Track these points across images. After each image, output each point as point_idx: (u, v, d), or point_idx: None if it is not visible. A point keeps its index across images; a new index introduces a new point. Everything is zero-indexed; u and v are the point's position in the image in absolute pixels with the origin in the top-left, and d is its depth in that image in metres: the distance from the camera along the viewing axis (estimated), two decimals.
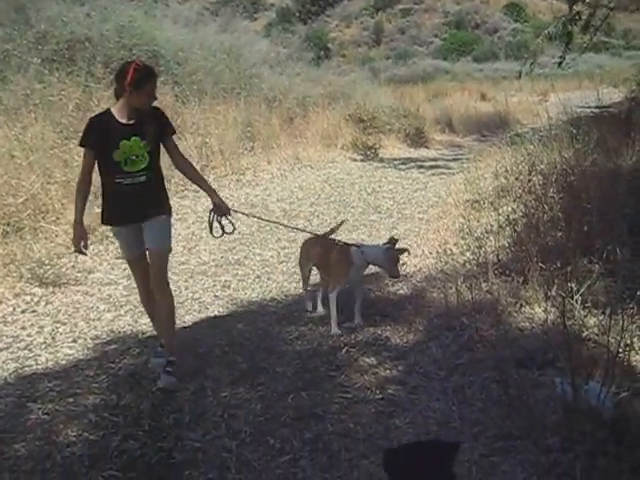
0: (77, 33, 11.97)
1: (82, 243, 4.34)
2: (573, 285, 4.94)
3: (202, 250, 7.56)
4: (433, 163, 14.30)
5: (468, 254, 6.44)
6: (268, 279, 6.49)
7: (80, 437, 3.78)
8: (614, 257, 5.50)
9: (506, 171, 8.26)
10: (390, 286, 6.03)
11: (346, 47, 53.48)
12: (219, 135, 11.76)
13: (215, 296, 6.12)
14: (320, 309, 5.54)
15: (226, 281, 6.54)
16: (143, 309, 5.67)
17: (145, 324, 5.44)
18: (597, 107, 12.38)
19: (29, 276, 6.27)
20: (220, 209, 4.61)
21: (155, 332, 4.89)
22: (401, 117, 17.48)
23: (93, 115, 4.45)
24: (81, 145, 4.28)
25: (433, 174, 12.79)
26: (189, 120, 11.70)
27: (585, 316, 4.82)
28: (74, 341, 5.20)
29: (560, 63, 10.33)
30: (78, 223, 4.31)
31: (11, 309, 5.77)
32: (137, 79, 4.12)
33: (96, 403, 4.17)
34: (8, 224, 7.02)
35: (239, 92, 14.01)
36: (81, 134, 4.30)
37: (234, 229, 4.77)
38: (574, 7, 9.75)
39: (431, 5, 59.74)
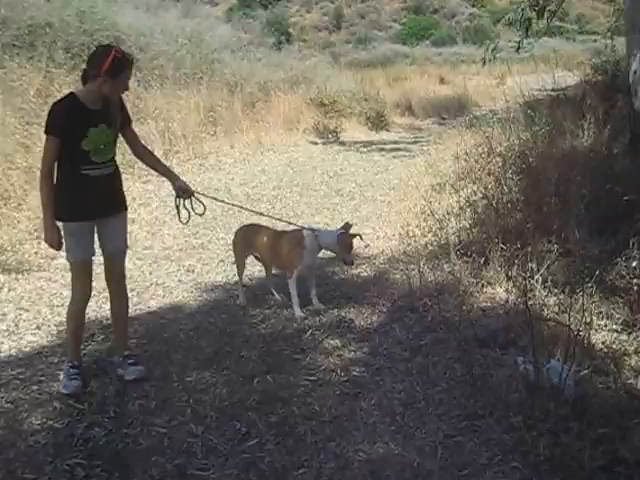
0: (37, 18, 11.71)
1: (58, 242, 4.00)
2: (533, 265, 5.03)
3: (166, 235, 7.50)
4: (394, 146, 14.35)
5: (430, 236, 6.50)
6: (232, 263, 6.45)
7: (44, 425, 3.74)
8: (572, 237, 5.61)
9: (466, 153, 8.32)
10: (353, 269, 6.05)
11: (307, 32, 53.19)
12: (182, 120, 11.66)
13: (179, 280, 6.08)
14: (277, 296, 5.54)
15: (190, 265, 6.50)
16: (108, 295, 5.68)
17: (109, 309, 5.35)
18: (553, 90, 12.53)
19: None
20: (184, 191, 4.50)
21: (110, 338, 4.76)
22: (362, 101, 17.51)
23: (58, 100, 4.02)
24: (47, 133, 3.88)
25: (394, 157, 12.84)
26: (151, 105, 11.58)
27: (545, 296, 4.90)
28: (38, 328, 5.13)
29: (518, 48, 10.41)
30: (53, 225, 3.95)
31: None
32: (115, 67, 3.84)
33: (61, 390, 4.12)
34: None
35: (201, 77, 13.92)
36: (46, 120, 3.90)
37: (205, 209, 4.66)
38: None
39: None
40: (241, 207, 5.90)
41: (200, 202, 4.59)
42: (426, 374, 4.16)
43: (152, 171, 9.70)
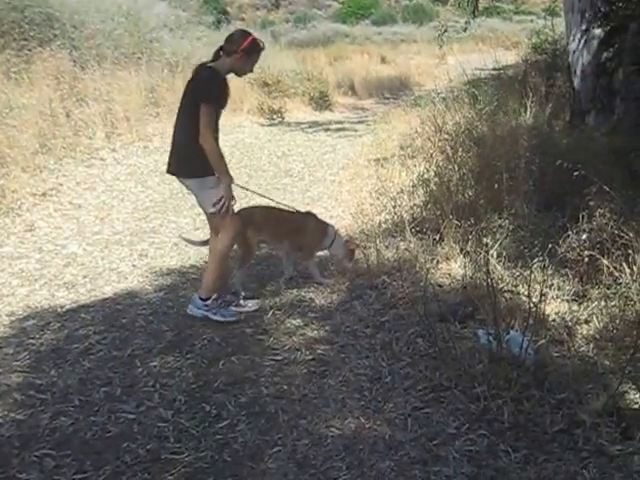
0: None
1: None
2: (488, 240, 5.13)
3: (115, 219, 7.38)
4: (339, 126, 14.35)
5: (384, 214, 6.55)
6: (185, 246, 6.37)
7: (7, 418, 3.65)
8: (521, 212, 5.74)
9: (415, 132, 8.39)
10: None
11: (245, 10, 52.64)
12: (123, 101, 11.41)
13: (133, 265, 5.99)
14: (288, 273, 5.52)
15: (143, 250, 6.41)
16: (60, 283, 5.59)
17: (63, 297, 5.29)
18: (494, 69, 12.73)
19: None
20: None
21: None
22: (305, 81, 17.43)
23: (214, 70, 4.45)
24: (208, 102, 4.34)
25: (340, 137, 12.85)
26: (90, 86, 11.28)
27: (500, 270, 5.00)
28: None
29: (465, 29, 10.54)
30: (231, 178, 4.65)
31: None
32: (252, 48, 4.47)
33: (20, 382, 4.03)
34: None
35: (140, 57, 13.61)
36: (207, 91, 4.38)
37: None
38: None
39: None
40: (264, 196, 5.65)
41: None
42: (390, 349, 4.22)
43: (94, 154, 9.78)
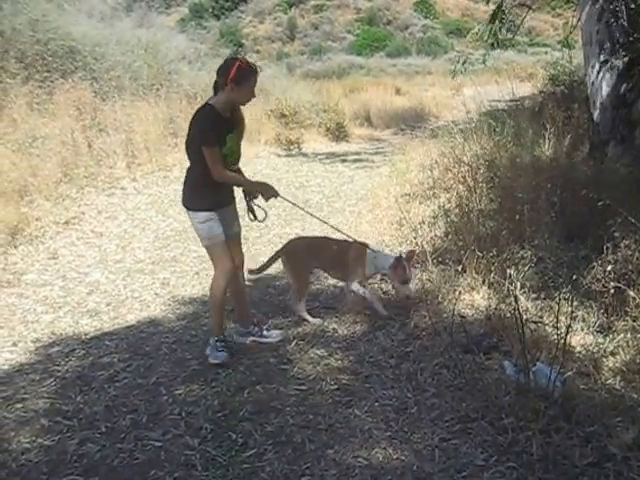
0: None
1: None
2: (511, 271, 5.12)
3: (136, 248, 7.44)
4: (356, 157, 14.43)
5: (405, 245, 6.57)
6: (207, 275, 6.39)
7: (34, 443, 3.69)
8: (543, 244, 5.74)
9: (436, 162, 8.43)
10: (330, 279, 6.08)
11: (260, 43, 53.31)
12: (143, 132, 11.55)
13: (155, 294, 6.03)
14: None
15: (165, 278, 6.45)
16: (84, 310, 5.63)
17: (87, 324, 5.33)
18: (511, 100, 12.78)
19: None
20: (250, 192, 4.80)
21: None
22: (321, 112, 17.58)
23: (208, 112, 4.37)
24: (208, 145, 4.27)
25: (358, 167, 12.91)
26: (111, 116, 11.46)
27: (524, 301, 4.99)
28: (14, 345, 5.04)
29: (484, 61, 10.62)
30: (255, 183, 4.75)
31: None
32: (240, 75, 4.28)
33: (46, 408, 4.06)
34: None
35: (159, 88, 13.80)
36: (204, 134, 4.29)
37: (265, 217, 4.93)
38: (489, 6, 10.08)
39: (343, 1, 60.20)
40: (311, 214, 6.05)
41: (262, 208, 4.83)
42: (415, 380, 4.21)
43: (115, 183, 9.88)
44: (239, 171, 4.64)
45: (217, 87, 4.38)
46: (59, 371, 4.55)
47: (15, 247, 7.15)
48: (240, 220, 4.81)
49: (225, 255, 4.57)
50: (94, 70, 12.68)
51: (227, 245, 4.59)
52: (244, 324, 4.95)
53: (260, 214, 4.86)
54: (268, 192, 4.63)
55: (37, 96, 10.62)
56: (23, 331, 5.30)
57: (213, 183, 4.40)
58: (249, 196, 4.80)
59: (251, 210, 4.88)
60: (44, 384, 4.37)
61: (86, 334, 5.18)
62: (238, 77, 4.26)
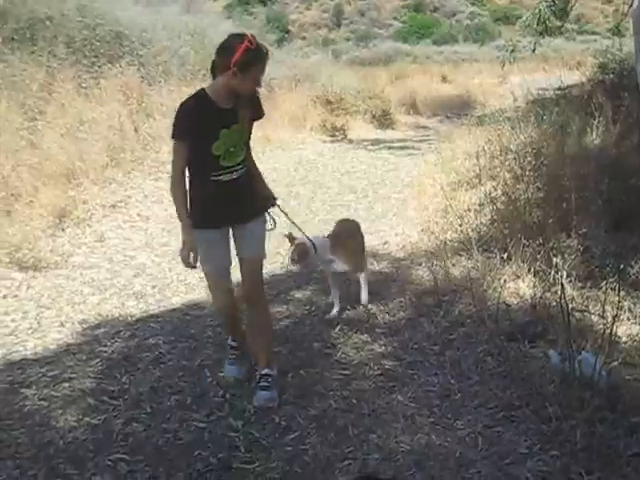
0: (37, 12, 11.61)
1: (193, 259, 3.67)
2: (557, 260, 5.06)
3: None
4: (402, 144, 14.37)
5: (450, 232, 6.52)
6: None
7: (81, 422, 3.74)
8: (590, 233, 5.65)
9: (483, 150, 8.33)
10: (375, 265, 6.08)
11: (306, 29, 53.28)
12: None
13: (200, 278, 5.96)
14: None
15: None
16: (130, 292, 5.70)
17: (132, 307, 5.41)
18: (559, 89, 12.56)
19: (7, 260, 6.16)
20: (267, 200, 4.02)
21: (248, 346, 4.25)
22: (367, 99, 17.51)
23: (188, 98, 3.60)
24: (175, 138, 3.55)
25: (403, 155, 12.86)
26: (157, 101, 11.57)
27: (570, 290, 4.93)
28: (61, 325, 5.13)
29: (534, 49, 10.42)
30: (188, 239, 3.64)
31: None
32: (247, 60, 3.45)
33: (93, 387, 4.13)
34: None
35: (205, 74, 13.85)
36: (173, 122, 3.54)
37: (274, 227, 4.07)
38: None
39: None
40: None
41: (270, 216, 4.04)
42: (459, 367, 4.19)
43: (162, 167, 9.97)
44: (248, 176, 3.80)
45: (215, 69, 3.61)
46: (105, 352, 4.62)
47: (63, 230, 7.27)
48: (265, 243, 3.99)
49: (217, 290, 3.98)
50: (141, 55, 12.81)
51: (225, 275, 3.95)
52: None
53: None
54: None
55: (85, 81, 10.77)
56: (70, 312, 5.39)
57: (204, 190, 3.65)
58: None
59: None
60: (90, 364, 4.44)
61: (132, 316, 5.25)
62: (243, 62, 3.44)
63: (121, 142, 9.70)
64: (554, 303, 4.56)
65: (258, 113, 3.82)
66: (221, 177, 3.63)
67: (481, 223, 6.40)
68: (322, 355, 4.46)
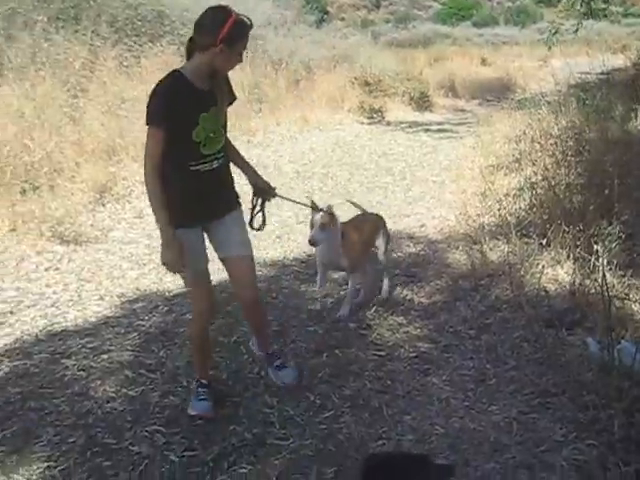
0: None
1: (181, 261, 3.27)
2: (598, 247, 4.99)
3: None
4: (440, 127, 14.25)
5: (488, 216, 6.48)
6: (288, 239, 6.50)
7: (119, 393, 3.82)
8: (632, 220, 5.56)
9: (524, 133, 8.24)
10: (412, 247, 6.06)
11: (345, 10, 52.87)
12: None
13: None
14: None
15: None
16: None
17: (170, 282, 5.45)
18: (601, 73, 12.33)
19: (49, 234, 6.28)
20: (265, 192, 3.76)
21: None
22: (405, 81, 17.37)
23: (164, 79, 3.23)
24: (149, 123, 3.16)
25: (441, 137, 12.76)
26: None
27: (610, 277, 4.87)
28: (101, 299, 5.20)
29: (576, 30, 10.26)
30: (171, 238, 3.20)
31: (34, 266, 5.77)
32: (235, 34, 3.16)
33: (131, 360, 4.19)
34: (26, 182, 7.00)
35: (245, 54, 13.87)
36: (147, 107, 3.17)
37: (263, 224, 3.89)
38: None
39: None
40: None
41: (264, 214, 3.85)
42: (495, 352, 4.17)
43: None
44: (227, 166, 3.47)
45: (192, 49, 3.25)
46: (143, 326, 4.68)
47: (103, 205, 7.37)
48: (248, 236, 3.65)
49: (199, 290, 3.54)
50: (182, 35, 12.81)
51: (206, 277, 3.56)
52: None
53: (258, 220, 3.86)
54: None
55: (126, 59, 10.86)
56: (109, 286, 5.47)
57: (182, 183, 3.27)
58: (259, 196, 3.80)
59: (262, 214, 3.86)
60: (128, 337, 4.51)
61: (169, 291, 5.30)
62: (232, 36, 3.14)
63: None
64: (594, 290, 4.52)
65: (232, 96, 3.55)
66: (200, 167, 3.26)
67: (520, 208, 6.34)
68: (357, 335, 4.46)
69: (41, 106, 8.28)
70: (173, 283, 5.44)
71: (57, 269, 5.77)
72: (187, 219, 3.31)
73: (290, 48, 16.03)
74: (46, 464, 3.19)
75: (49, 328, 4.69)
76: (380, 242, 5.02)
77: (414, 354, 4.17)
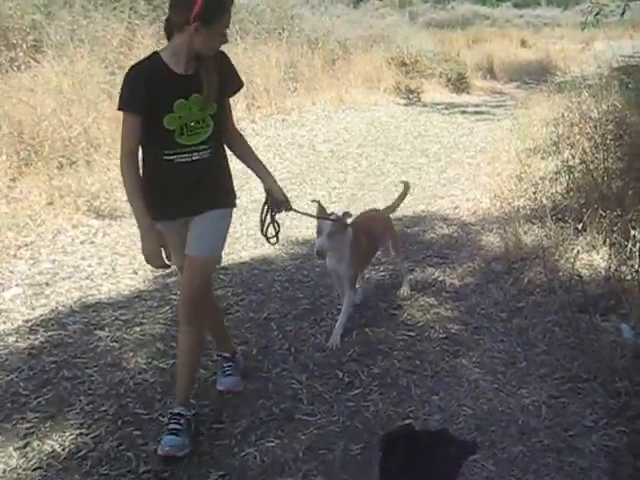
0: None
1: (161, 254, 3.03)
2: (636, 232, 4.91)
3: (253, 188, 7.50)
4: (476, 109, 14.11)
5: (523, 200, 6.41)
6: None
7: (150, 365, 3.86)
8: None
9: (561, 117, 8.12)
10: (445, 229, 6.02)
11: None
12: (263, 75, 11.67)
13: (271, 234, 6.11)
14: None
15: (279, 219, 6.47)
16: None
17: None
18: None
19: (85, 208, 6.37)
20: (279, 204, 3.39)
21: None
22: (442, 62, 17.22)
23: (138, 62, 3.04)
24: (124, 109, 2.93)
25: (478, 120, 12.63)
26: (233, 59, 11.51)
27: None
28: (134, 272, 5.26)
29: (623, 12, 10.02)
30: (149, 229, 2.97)
31: (70, 240, 5.85)
32: (209, 10, 2.81)
33: (162, 333, 4.24)
34: (63, 157, 7.08)
35: (281, 32, 13.84)
36: (121, 92, 2.93)
37: (277, 236, 3.56)
38: None
39: None
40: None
41: (277, 224, 3.49)
42: (526, 336, 4.14)
43: (236, 125, 10.05)
44: (214, 161, 3.08)
45: (170, 29, 2.97)
46: (175, 300, 4.69)
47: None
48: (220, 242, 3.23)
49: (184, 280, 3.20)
50: None
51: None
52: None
53: (272, 231, 3.53)
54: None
55: (163, 37, 10.84)
56: (143, 260, 5.47)
57: (156, 173, 3.04)
58: (271, 206, 3.41)
59: (273, 226, 3.50)
60: (161, 311, 4.56)
61: None
62: (207, 12, 2.81)
63: None
64: (629, 277, 4.47)
65: (235, 84, 3.22)
66: (175, 157, 2.96)
67: (556, 192, 6.26)
68: (388, 315, 4.46)
69: (79, 82, 8.35)
70: None
71: (92, 243, 5.84)
72: (166, 212, 3.05)
73: (327, 27, 15.93)
74: (78, 431, 3.25)
75: (83, 300, 4.76)
76: (389, 244, 4.68)
77: (444, 335, 4.15)
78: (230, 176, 3.27)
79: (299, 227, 6.29)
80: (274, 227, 3.47)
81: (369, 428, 3.26)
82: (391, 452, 2.01)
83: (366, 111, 12.90)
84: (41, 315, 4.51)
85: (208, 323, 3.42)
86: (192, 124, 2.96)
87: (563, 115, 8.27)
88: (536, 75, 19.82)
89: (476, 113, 13.51)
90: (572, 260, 4.98)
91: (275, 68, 12.25)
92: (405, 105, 14.08)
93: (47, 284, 5.01)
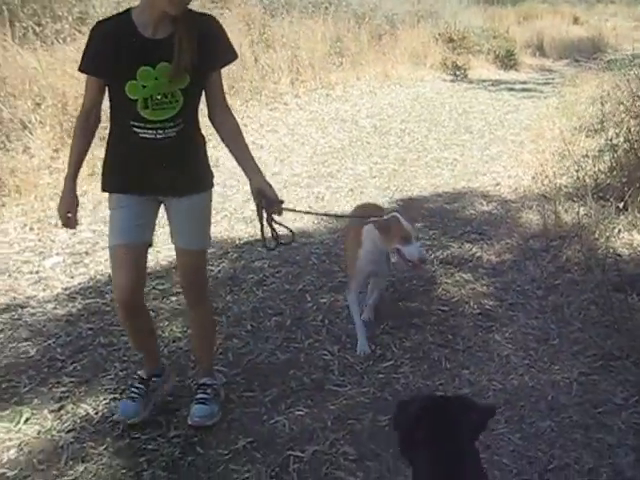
0: None
1: (70, 214, 2.89)
2: None
3: (294, 162, 7.60)
4: (524, 86, 13.90)
5: (565, 178, 6.33)
6: (361, 193, 6.49)
7: (184, 333, 3.92)
8: None
9: (607, 95, 7.97)
10: (485, 205, 5.99)
11: None
12: (308, 49, 11.65)
13: (309, 207, 6.13)
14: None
15: (319, 193, 6.55)
16: (240, 217, 5.81)
17: (241, 230, 5.54)
18: None
19: None
20: (269, 202, 2.80)
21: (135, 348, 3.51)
22: (491, 38, 17.02)
23: (105, 19, 2.80)
24: (83, 69, 2.71)
25: (524, 97, 12.45)
26: (278, 33, 11.62)
27: None
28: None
29: None
30: (70, 190, 2.87)
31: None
32: None
33: None
34: (105, 128, 7.14)
35: (327, 7, 13.77)
36: (84, 51, 2.70)
37: (293, 238, 3.12)
38: None
39: None
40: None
41: (284, 226, 2.97)
42: (560, 313, 4.12)
43: (279, 98, 10.08)
44: (181, 138, 2.74)
45: None
46: (212, 271, 4.77)
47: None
48: (207, 228, 3.05)
49: (120, 273, 2.85)
50: None
51: (129, 255, 2.82)
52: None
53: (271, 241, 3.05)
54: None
55: (208, 10, 10.87)
56: None
57: (121, 143, 2.78)
58: (267, 211, 2.83)
59: (272, 229, 2.94)
60: None
61: (240, 239, 5.39)
62: None
63: (241, 71, 9.83)
64: None
65: (225, 55, 2.82)
66: (141, 132, 2.68)
67: (599, 170, 6.17)
68: (423, 290, 4.47)
69: None
70: (244, 231, 5.54)
71: None
72: (122, 184, 2.82)
73: (374, 2, 15.80)
74: (112, 396, 3.33)
75: None
76: None
77: (478, 311, 4.15)
78: (205, 158, 2.92)
79: (339, 201, 6.31)
80: (272, 231, 2.97)
81: (398, 400, 3.28)
82: (415, 422, 2.02)
83: (411, 87, 12.81)
84: (80, 283, 4.61)
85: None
86: (158, 97, 2.63)
87: (609, 93, 8.11)
88: (587, 53, 19.46)
89: (523, 90, 13.31)
90: (612, 239, 4.92)
91: (321, 42, 12.21)
92: (451, 81, 13.96)
93: (87, 253, 5.11)
